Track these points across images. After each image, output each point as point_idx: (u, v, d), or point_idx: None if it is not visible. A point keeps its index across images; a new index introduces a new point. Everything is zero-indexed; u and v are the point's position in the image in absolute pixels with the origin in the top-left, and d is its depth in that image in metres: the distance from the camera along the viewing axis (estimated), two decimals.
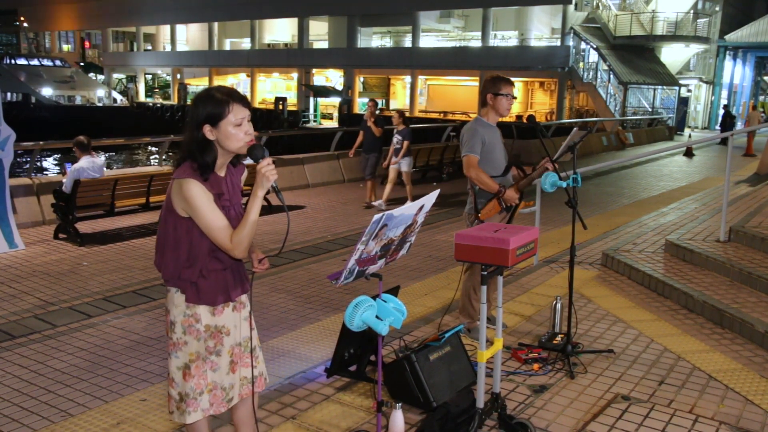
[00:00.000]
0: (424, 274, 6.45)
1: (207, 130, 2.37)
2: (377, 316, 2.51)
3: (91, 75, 51.20)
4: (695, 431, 3.34)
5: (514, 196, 4.35)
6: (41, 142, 10.38)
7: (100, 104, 45.61)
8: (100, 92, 46.96)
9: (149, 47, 51.49)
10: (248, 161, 2.50)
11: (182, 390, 2.50)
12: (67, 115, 39.08)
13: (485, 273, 2.97)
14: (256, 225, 2.37)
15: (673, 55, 34.37)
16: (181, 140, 2.46)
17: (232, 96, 2.38)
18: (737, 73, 37.72)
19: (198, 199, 2.34)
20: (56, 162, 25.11)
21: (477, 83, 31.96)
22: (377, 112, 10.15)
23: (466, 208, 4.57)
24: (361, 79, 38.93)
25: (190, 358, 2.49)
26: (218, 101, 2.36)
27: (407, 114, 38.33)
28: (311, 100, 39.44)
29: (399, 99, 40.01)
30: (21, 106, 40.24)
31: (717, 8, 33.82)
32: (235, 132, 2.38)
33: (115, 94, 48.75)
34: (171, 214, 2.42)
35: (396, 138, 10.05)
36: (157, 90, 51.76)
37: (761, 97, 41.86)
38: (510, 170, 4.50)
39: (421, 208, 2.72)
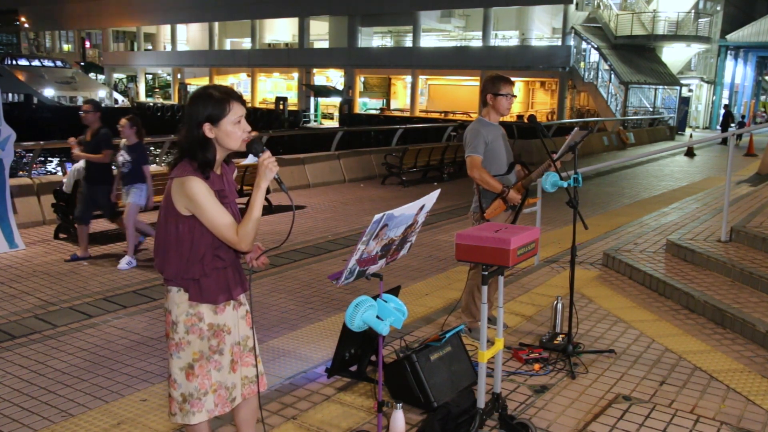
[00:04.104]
0: (424, 274, 6.45)
1: (207, 128, 2.39)
2: (378, 316, 2.50)
3: (92, 75, 51.22)
4: (696, 431, 3.34)
5: (517, 197, 4.36)
6: (42, 142, 10.36)
7: (102, 105, 45.61)
8: (102, 93, 47.03)
9: (149, 47, 51.53)
10: (249, 161, 2.52)
11: (185, 391, 2.49)
12: (69, 115, 39.07)
13: (486, 273, 2.97)
14: (260, 216, 2.38)
15: (674, 55, 34.37)
16: (178, 140, 2.47)
17: (230, 95, 2.41)
18: (738, 72, 37.71)
19: (202, 196, 2.35)
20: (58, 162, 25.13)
21: (478, 83, 31.94)
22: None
23: (471, 207, 4.57)
24: (362, 79, 38.93)
25: (193, 358, 2.48)
26: (218, 100, 2.38)
27: (407, 113, 38.15)
28: (312, 99, 39.47)
29: (400, 99, 40.03)
30: (23, 107, 40.27)
31: (718, 8, 33.81)
32: (234, 130, 2.40)
33: (117, 95, 48.78)
34: (172, 214, 2.42)
35: (122, 158, 6.61)
36: (157, 90, 51.78)
37: (762, 97, 41.84)
38: (513, 168, 4.50)
39: (421, 208, 2.71)
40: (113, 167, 6.84)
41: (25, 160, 18.38)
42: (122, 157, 6.63)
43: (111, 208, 6.97)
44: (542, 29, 36.39)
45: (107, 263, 6.75)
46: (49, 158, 25.96)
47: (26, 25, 58.13)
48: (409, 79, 37.05)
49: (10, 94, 40.99)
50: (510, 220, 4.50)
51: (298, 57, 39.37)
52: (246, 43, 44.59)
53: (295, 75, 40.57)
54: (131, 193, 6.65)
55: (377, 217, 2.46)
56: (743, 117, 33.04)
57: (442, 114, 34.94)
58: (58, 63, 47.61)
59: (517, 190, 4.41)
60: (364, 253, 2.55)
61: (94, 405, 3.64)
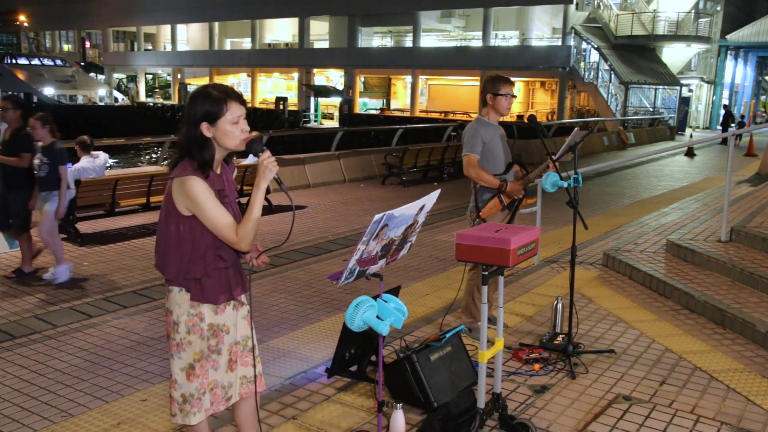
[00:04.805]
0: (425, 274, 6.45)
1: (204, 128, 2.38)
2: (378, 316, 2.50)
3: (92, 75, 51.23)
4: (696, 431, 3.34)
5: (518, 188, 4.35)
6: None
7: (102, 103, 45.71)
8: (102, 91, 47.08)
9: (150, 47, 51.53)
10: (249, 161, 2.53)
11: (186, 391, 2.49)
12: (69, 114, 39.07)
13: (486, 273, 2.97)
14: (260, 216, 2.38)
15: (674, 55, 34.37)
16: (178, 139, 2.47)
17: (228, 94, 2.40)
18: (738, 72, 37.73)
19: (202, 196, 2.34)
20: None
21: (478, 83, 31.94)
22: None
23: (468, 207, 4.57)
24: (362, 79, 38.94)
25: (194, 358, 2.48)
26: (216, 99, 2.38)
27: (407, 113, 38.21)
28: (312, 99, 39.47)
29: (400, 99, 40.04)
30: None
31: (718, 8, 33.82)
32: (232, 129, 2.40)
33: (117, 94, 48.82)
34: (173, 214, 2.42)
35: (38, 161, 5.98)
36: (157, 90, 51.79)
37: (762, 97, 41.83)
38: (511, 168, 4.50)
39: (422, 208, 2.71)
40: (34, 171, 6.03)
41: None
42: (38, 159, 5.94)
43: (23, 219, 6.14)
44: (542, 29, 36.39)
45: (107, 263, 6.75)
46: None
47: (26, 25, 58.12)
48: (409, 79, 37.05)
49: (10, 93, 41.03)
50: (506, 220, 4.50)
51: (298, 57, 39.36)
52: (246, 43, 44.58)
53: (295, 75, 40.56)
54: (50, 200, 5.96)
55: (377, 217, 2.46)
56: (743, 117, 33.03)
57: (442, 114, 34.94)
58: (58, 62, 47.61)
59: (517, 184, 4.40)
60: (364, 253, 2.55)
61: (94, 405, 3.64)
